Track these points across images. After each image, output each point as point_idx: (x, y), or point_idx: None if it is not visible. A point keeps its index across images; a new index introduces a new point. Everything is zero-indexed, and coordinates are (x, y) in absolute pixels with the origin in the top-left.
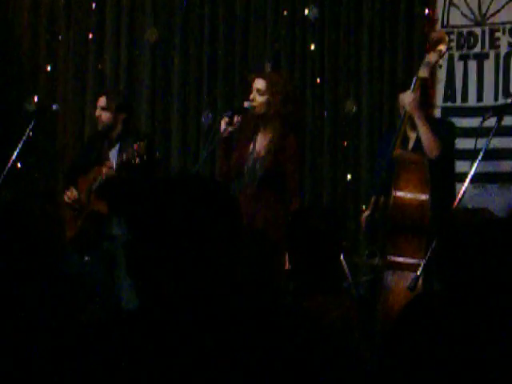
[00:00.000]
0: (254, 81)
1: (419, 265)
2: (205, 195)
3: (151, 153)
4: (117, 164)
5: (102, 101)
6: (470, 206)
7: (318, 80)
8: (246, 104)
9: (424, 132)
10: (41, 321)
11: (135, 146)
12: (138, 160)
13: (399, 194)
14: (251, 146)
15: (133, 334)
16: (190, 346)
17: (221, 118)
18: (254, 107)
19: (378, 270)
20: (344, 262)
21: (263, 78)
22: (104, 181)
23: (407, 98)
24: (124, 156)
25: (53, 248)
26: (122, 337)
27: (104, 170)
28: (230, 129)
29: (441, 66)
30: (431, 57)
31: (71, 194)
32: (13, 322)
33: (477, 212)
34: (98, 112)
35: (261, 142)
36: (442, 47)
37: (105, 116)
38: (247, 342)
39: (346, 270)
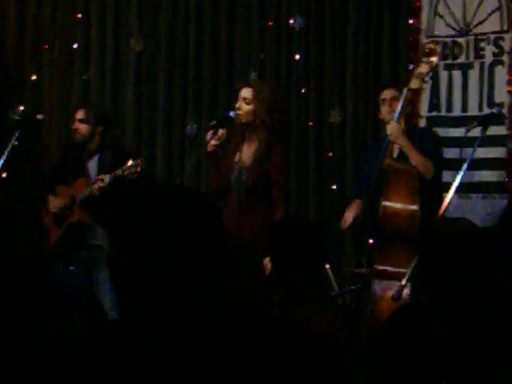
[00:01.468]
0: (241, 90)
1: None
2: (187, 206)
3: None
4: (110, 178)
5: (80, 113)
6: (448, 216)
7: (303, 90)
8: (231, 113)
9: (415, 159)
10: (26, 331)
11: (132, 162)
12: (134, 176)
13: (389, 203)
14: (237, 157)
15: (116, 345)
16: (173, 356)
17: (206, 128)
18: (240, 116)
19: (365, 279)
20: (330, 272)
21: (250, 86)
22: (98, 195)
23: (392, 129)
24: (119, 171)
25: (38, 257)
26: (107, 348)
27: (97, 184)
28: (213, 142)
29: (431, 78)
30: (423, 68)
31: (56, 203)
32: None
33: (455, 222)
34: (75, 125)
35: (246, 152)
36: (434, 59)
37: (82, 128)
38: (233, 352)
39: (332, 280)
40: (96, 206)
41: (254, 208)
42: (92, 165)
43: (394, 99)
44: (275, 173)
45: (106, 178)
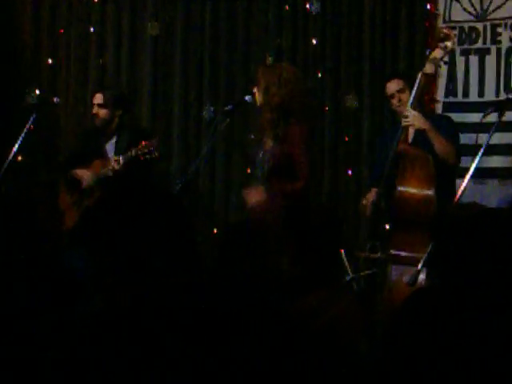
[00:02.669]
0: (257, 72)
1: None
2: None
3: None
4: (124, 159)
5: (99, 98)
6: (463, 202)
7: (320, 74)
8: (246, 98)
9: (438, 142)
10: (40, 314)
11: (146, 142)
12: (148, 157)
13: (404, 188)
14: (262, 139)
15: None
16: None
17: (222, 112)
18: (254, 98)
19: (380, 264)
20: (344, 257)
21: (260, 68)
22: (112, 176)
23: (412, 116)
24: (133, 152)
25: (53, 241)
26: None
27: (110, 164)
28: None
29: (446, 63)
30: (437, 53)
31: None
32: (12, 316)
33: (470, 207)
34: (95, 109)
35: (268, 140)
36: (449, 44)
37: (102, 112)
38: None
39: (347, 265)
40: (110, 186)
41: (279, 189)
42: (110, 147)
43: (401, 91)
44: (295, 153)
45: (121, 158)
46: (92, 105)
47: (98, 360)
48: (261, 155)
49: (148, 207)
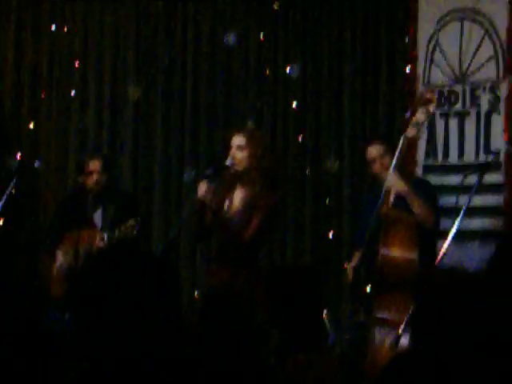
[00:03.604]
0: (233, 138)
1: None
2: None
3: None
4: (108, 237)
5: (98, 164)
6: (445, 264)
7: (300, 138)
8: (228, 161)
9: (417, 206)
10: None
11: (132, 222)
12: (131, 236)
13: (388, 252)
14: (226, 203)
15: None
16: None
17: (203, 177)
18: (235, 163)
19: (363, 327)
20: (327, 319)
21: (242, 133)
22: (95, 252)
23: (392, 180)
24: (117, 232)
25: (34, 304)
26: None
27: (96, 241)
28: (206, 194)
29: (427, 126)
30: (419, 117)
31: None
32: None
33: (451, 270)
34: (95, 176)
35: (238, 198)
36: (431, 108)
37: (102, 179)
38: None
39: (329, 327)
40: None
41: (247, 255)
42: (98, 215)
43: (383, 156)
44: (257, 212)
45: (105, 236)
46: (87, 172)
47: None
48: (227, 205)
49: (141, 272)
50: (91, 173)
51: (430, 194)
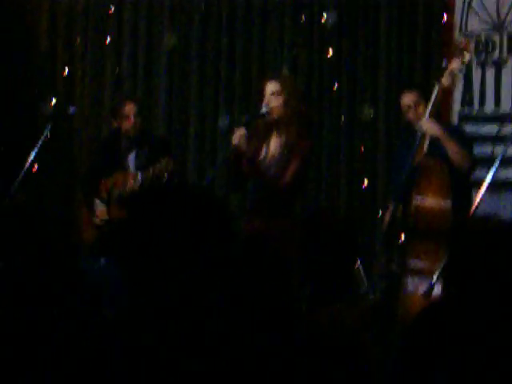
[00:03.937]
0: (266, 85)
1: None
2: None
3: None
4: (142, 178)
5: (133, 108)
6: (480, 213)
7: (335, 86)
8: (263, 109)
9: (452, 149)
10: (58, 323)
11: (164, 160)
12: (165, 176)
13: (421, 200)
14: (263, 151)
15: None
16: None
17: (239, 124)
18: (272, 110)
19: (396, 276)
20: (361, 268)
21: (276, 80)
22: (129, 193)
23: (426, 125)
24: (151, 171)
25: (69, 252)
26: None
27: (129, 182)
28: (242, 142)
29: (464, 74)
30: (455, 65)
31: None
32: (28, 325)
33: (486, 219)
34: (132, 119)
35: (275, 146)
36: (467, 56)
37: (138, 122)
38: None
39: (363, 276)
40: (128, 205)
41: (283, 203)
42: (131, 159)
43: (417, 103)
44: (295, 159)
45: (139, 177)
46: (123, 115)
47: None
48: (264, 153)
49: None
50: (127, 116)
51: (465, 140)
